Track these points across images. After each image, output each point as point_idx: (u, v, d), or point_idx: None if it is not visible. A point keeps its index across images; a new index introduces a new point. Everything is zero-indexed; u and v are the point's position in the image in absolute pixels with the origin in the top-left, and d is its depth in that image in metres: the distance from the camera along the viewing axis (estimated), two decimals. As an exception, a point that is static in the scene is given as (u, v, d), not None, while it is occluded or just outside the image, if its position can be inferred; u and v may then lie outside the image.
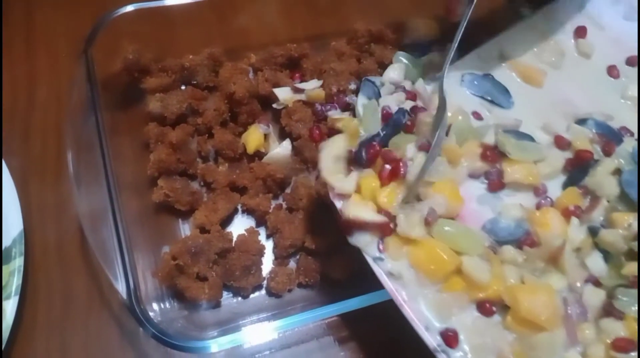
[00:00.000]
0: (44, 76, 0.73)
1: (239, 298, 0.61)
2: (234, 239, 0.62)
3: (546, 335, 0.45)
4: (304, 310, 0.58)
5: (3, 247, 0.58)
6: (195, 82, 0.71)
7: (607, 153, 0.55)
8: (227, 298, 0.61)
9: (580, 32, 0.66)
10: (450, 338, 0.46)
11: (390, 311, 0.59)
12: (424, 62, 0.70)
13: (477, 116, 0.58)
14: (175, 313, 0.59)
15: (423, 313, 0.47)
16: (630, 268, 0.48)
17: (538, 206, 0.53)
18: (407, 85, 0.70)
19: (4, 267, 0.58)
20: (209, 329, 0.58)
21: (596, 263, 0.49)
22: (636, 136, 0.59)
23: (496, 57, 0.64)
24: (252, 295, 0.61)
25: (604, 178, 0.53)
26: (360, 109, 0.68)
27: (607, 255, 0.50)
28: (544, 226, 0.50)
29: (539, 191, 0.54)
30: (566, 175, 0.55)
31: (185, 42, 0.71)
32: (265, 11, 0.74)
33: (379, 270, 0.49)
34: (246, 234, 0.62)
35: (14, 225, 0.59)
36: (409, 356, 0.59)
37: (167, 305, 0.59)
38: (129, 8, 0.64)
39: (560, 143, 0.57)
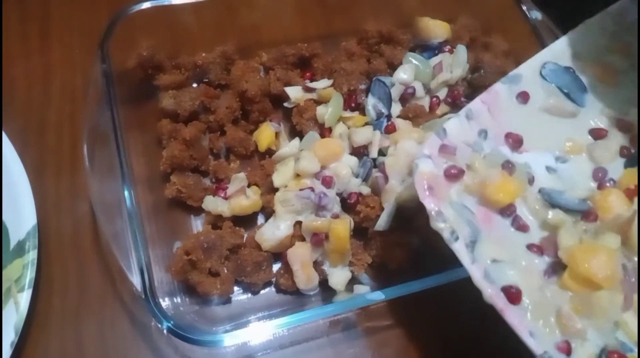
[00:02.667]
0: (58, 69, 0.73)
1: (250, 294, 0.62)
2: (245, 235, 0.63)
3: (606, 293, 0.47)
4: (314, 306, 0.60)
5: (17, 240, 0.59)
6: (207, 79, 0.72)
7: None
8: (237, 293, 0.61)
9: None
10: (512, 294, 0.47)
11: (401, 309, 0.60)
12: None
13: None
14: (187, 307, 0.59)
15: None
16: None
17: (600, 187, 0.55)
18: (417, 86, 0.71)
19: (17, 260, 0.58)
20: (219, 324, 0.59)
21: None
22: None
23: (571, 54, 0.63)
24: (262, 291, 0.62)
25: None
26: (370, 108, 0.69)
27: None
28: (606, 207, 0.52)
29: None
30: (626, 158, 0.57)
31: (198, 40, 0.71)
32: (277, 10, 0.75)
33: None
34: (257, 230, 0.62)
35: (28, 218, 0.60)
36: (420, 351, 0.61)
37: (179, 299, 0.60)
38: (146, 5, 0.65)
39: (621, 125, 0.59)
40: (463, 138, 0.54)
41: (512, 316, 0.46)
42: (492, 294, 0.46)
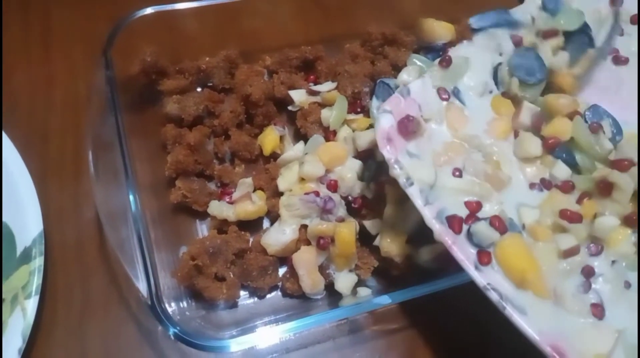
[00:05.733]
0: (61, 77, 0.74)
1: (256, 298, 0.62)
2: (251, 240, 0.63)
3: None
4: (320, 310, 0.60)
5: (24, 247, 0.59)
6: (211, 84, 0.72)
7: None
8: (243, 298, 0.61)
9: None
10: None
11: (408, 312, 0.60)
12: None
13: None
14: (193, 312, 0.59)
15: None
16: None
17: None
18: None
19: (24, 267, 0.58)
20: (225, 329, 0.59)
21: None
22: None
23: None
24: (268, 295, 0.62)
25: None
26: (374, 111, 0.68)
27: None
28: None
29: None
30: None
31: (201, 45, 0.71)
32: (280, 13, 0.75)
33: None
34: (262, 235, 0.62)
35: (34, 225, 0.60)
36: (426, 355, 0.60)
37: (185, 304, 0.60)
38: (148, 11, 0.65)
39: None
40: (427, 100, 0.59)
41: (459, 251, 0.50)
42: (441, 231, 0.51)
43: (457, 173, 0.56)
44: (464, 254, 0.50)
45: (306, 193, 0.60)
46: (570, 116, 0.61)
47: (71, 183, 0.66)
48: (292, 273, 0.60)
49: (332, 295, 0.60)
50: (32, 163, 0.64)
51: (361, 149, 0.65)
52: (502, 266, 0.50)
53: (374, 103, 0.69)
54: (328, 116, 0.67)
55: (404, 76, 0.70)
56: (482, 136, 0.59)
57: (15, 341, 0.54)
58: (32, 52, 0.76)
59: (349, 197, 0.63)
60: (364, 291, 0.60)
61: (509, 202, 0.55)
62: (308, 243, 0.60)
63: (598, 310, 0.50)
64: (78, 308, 0.60)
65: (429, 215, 0.52)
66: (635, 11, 0.70)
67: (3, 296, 0.57)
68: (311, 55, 0.73)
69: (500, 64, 0.66)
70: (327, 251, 0.59)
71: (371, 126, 0.68)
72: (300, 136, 0.69)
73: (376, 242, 0.60)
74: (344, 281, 0.59)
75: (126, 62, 0.66)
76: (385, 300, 0.53)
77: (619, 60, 0.69)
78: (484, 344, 0.60)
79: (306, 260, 0.58)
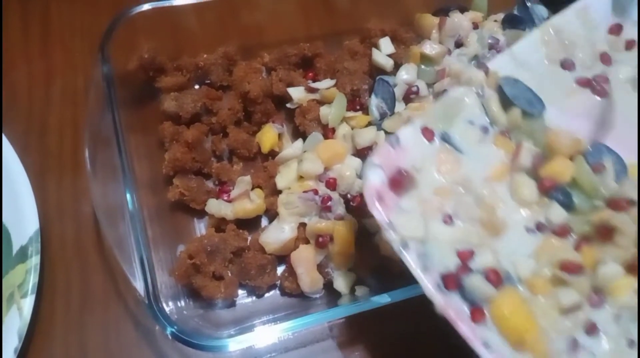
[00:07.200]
0: (59, 72, 0.73)
1: (254, 297, 0.61)
2: (249, 238, 0.63)
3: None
4: (319, 309, 0.59)
5: (20, 246, 0.59)
6: (209, 81, 0.71)
7: None
8: (242, 297, 0.61)
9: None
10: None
11: (406, 310, 0.60)
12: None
13: None
14: (191, 311, 0.59)
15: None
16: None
17: None
18: (421, 85, 0.70)
19: (20, 266, 0.58)
20: (224, 328, 0.58)
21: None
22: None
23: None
24: (267, 294, 0.61)
25: None
26: (374, 108, 0.68)
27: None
28: None
29: None
30: None
31: (199, 41, 0.71)
32: (278, 10, 0.74)
33: None
34: (261, 233, 0.62)
35: (30, 223, 0.59)
36: (422, 355, 0.60)
37: (183, 303, 0.59)
38: (146, 6, 0.64)
39: None
40: (418, 148, 0.52)
41: (466, 329, 0.45)
42: (444, 305, 0.45)
43: (449, 220, 0.50)
44: (470, 332, 0.45)
45: (305, 191, 0.60)
46: (571, 156, 0.54)
47: (68, 180, 0.66)
48: (291, 271, 0.59)
49: (331, 294, 0.60)
50: (29, 159, 0.64)
51: (360, 147, 0.64)
52: (498, 325, 0.46)
53: (373, 100, 0.68)
54: (327, 113, 0.67)
55: (403, 73, 0.70)
56: (477, 180, 0.53)
57: (11, 340, 0.54)
58: (31, 47, 0.75)
59: (348, 195, 0.62)
60: (362, 290, 0.59)
61: (505, 250, 0.50)
62: (307, 241, 0.60)
63: None
64: (75, 307, 0.59)
65: (429, 286, 0.46)
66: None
67: (-1, 295, 0.57)
68: (310, 52, 0.73)
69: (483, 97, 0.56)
70: (326, 249, 0.59)
71: (370, 124, 0.67)
72: (299, 133, 0.69)
73: (375, 240, 0.60)
74: (343, 279, 0.59)
75: (124, 58, 0.66)
76: (384, 298, 0.53)
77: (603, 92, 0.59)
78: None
79: (305, 258, 0.58)
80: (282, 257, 0.61)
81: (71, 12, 0.78)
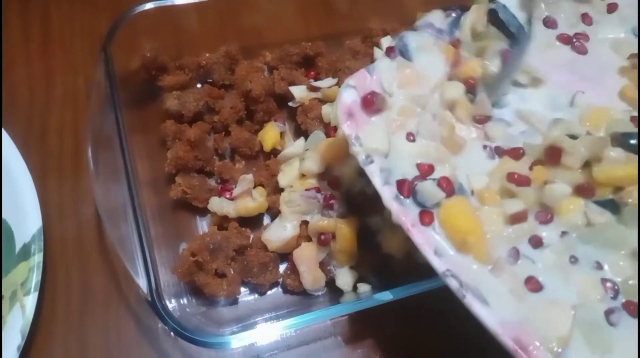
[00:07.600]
0: (61, 73, 0.73)
1: (256, 295, 0.61)
2: (251, 236, 0.63)
3: None
4: (321, 306, 0.59)
5: (22, 243, 0.59)
6: (211, 80, 0.71)
7: None
8: (244, 294, 0.61)
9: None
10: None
11: (408, 308, 0.60)
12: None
13: None
14: (193, 309, 0.59)
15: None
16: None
17: None
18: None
19: (23, 263, 0.58)
20: (226, 325, 0.58)
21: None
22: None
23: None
24: (269, 292, 0.61)
25: None
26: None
27: None
28: None
29: None
30: None
31: (201, 40, 0.71)
32: (280, 10, 0.75)
33: None
34: (263, 231, 0.62)
35: (33, 221, 0.60)
36: (426, 353, 0.60)
37: (185, 301, 0.59)
38: (148, 6, 0.64)
39: None
40: (390, 74, 0.56)
41: (418, 235, 0.47)
42: (399, 212, 0.48)
43: (411, 138, 0.53)
44: (422, 238, 0.47)
45: (307, 189, 0.60)
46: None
47: (71, 179, 0.66)
48: (293, 269, 0.59)
49: (333, 292, 0.60)
50: (31, 159, 0.64)
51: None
52: (444, 228, 0.48)
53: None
54: (329, 112, 0.67)
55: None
56: (431, 95, 0.56)
57: (14, 338, 0.54)
58: (32, 47, 0.75)
59: (350, 193, 0.63)
60: (364, 288, 0.59)
61: (462, 168, 0.52)
62: (309, 239, 0.60)
63: (533, 284, 0.46)
64: (78, 305, 0.59)
65: (387, 196, 0.49)
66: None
67: (2, 293, 0.56)
68: (312, 51, 0.73)
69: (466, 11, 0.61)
70: (328, 247, 0.59)
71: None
72: (301, 132, 0.69)
73: (377, 238, 0.60)
74: (345, 277, 0.59)
75: (126, 57, 0.66)
76: (386, 296, 0.53)
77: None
78: (486, 341, 0.59)
79: (307, 256, 0.58)
80: (285, 255, 0.61)
81: (71, 12, 0.78)
